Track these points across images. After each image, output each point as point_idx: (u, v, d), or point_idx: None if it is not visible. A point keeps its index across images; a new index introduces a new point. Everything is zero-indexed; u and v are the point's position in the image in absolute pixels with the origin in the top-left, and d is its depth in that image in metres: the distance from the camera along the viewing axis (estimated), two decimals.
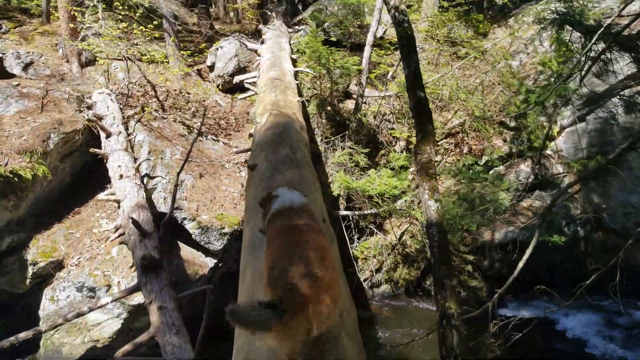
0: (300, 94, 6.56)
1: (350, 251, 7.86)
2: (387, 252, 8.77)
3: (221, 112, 9.13)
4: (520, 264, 4.40)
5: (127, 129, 7.26)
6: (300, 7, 17.65)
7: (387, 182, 7.19)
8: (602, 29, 5.21)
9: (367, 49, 7.85)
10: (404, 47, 3.73)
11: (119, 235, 5.44)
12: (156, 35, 8.91)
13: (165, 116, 7.86)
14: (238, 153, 6.16)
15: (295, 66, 7.53)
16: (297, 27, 11.08)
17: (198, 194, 6.49)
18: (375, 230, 8.67)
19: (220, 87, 9.74)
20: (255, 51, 8.17)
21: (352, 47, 10.37)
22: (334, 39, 9.85)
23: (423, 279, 8.66)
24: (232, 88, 9.52)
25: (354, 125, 8.11)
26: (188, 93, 9.39)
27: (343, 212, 7.63)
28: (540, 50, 9.97)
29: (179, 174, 5.74)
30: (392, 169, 7.76)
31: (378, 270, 8.66)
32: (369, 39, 7.80)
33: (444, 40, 10.57)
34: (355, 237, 8.01)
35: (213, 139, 7.93)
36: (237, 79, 7.41)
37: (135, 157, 6.54)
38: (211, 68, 10.11)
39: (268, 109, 4.86)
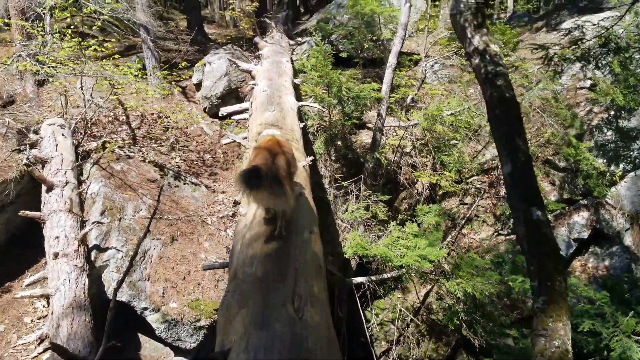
0: (307, 143, 4.95)
1: (366, 330, 6.23)
2: (409, 316, 7.17)
3: (207, 143, 7.51)
4: None
5: (80, 174, 5.64)
6: (302, 10, 16.09)
7: (414, 245, 5.58)
8: None
9: (388, 73, 6.25)
10: (501, 122, 2.19)
11: (45, 350, 3.82)
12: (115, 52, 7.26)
13: (132, 153, 6.23)
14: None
15: (299, 96, 5.90)
16: (299, 38, 9.46)
17: (167, 269, 4.87)
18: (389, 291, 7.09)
19: (207, 111, 8.13)
20: (250, 72, 6.55)
21: (364, 64, 8.79)
22: (344, 54, 8.24)
23: (454, 357, 7.02)
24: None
25: (371, 165, 6.50)
26: (167, 117, 7.76)
27: (357, 280, 6.03)
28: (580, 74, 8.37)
29: (134, 255, 4.10)
30: (419, 224, 6.15)
31: (397, 342, 7.05)
32: (391, 60, 6.20)
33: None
34: (373, 312, 6.40)
35: (192, 183, 6.30)
36: (223, 110, 5.80)
37: (85, 219, 4.92)
38: (198, 86, 8.50)
39: None
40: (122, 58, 10.13)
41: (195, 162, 7.01)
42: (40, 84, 7.84)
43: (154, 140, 7.09)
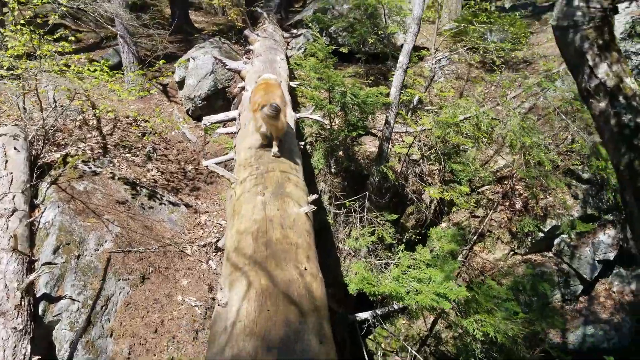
0: (303, 155, 4.07)
1: None
2: (415, 344, 6.43)
3: (189, 152, 6.63)
4: None
5: (35, 196, 4.76)
6: None
7: (427, 276, 4.81)
8: None
9: (399, 75, 5.38)
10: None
11: None
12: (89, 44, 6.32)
13: (98, 169, 5.34)
14: None
15: (295, 99, 5.01)
16: (295, 30, 8.51)
17: (134, 319, 4.04)
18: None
19: (190, 114, 7.22)
20: (239, 72, 5.63)
21: (367, 59, 7.89)
22: (344, 49, 7.34)
23: None
24: (205, 115, 6.98)
25: (376, 180, 5.69)
26: (146, 121, 6.84)
27: (361, 315, 5.25)
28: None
29: (93, 306, 3.27)
30: (431, 250, 5.36)
31: None
32: (402, 60, 5.33)
33: (482, 51, 8.10)
34: (380, 351, 5.65)
35: (170, 202, 5.43)
36: (206, 120, 4.90)
37: (34, 259, 4.05)
38: (180, 84, 7.56)
39: (247, 257, 2.32)
40: (98, 50, 9.13)
41: (174, 175, 6.14)
42: None
43: (127, 149, 6.19)
